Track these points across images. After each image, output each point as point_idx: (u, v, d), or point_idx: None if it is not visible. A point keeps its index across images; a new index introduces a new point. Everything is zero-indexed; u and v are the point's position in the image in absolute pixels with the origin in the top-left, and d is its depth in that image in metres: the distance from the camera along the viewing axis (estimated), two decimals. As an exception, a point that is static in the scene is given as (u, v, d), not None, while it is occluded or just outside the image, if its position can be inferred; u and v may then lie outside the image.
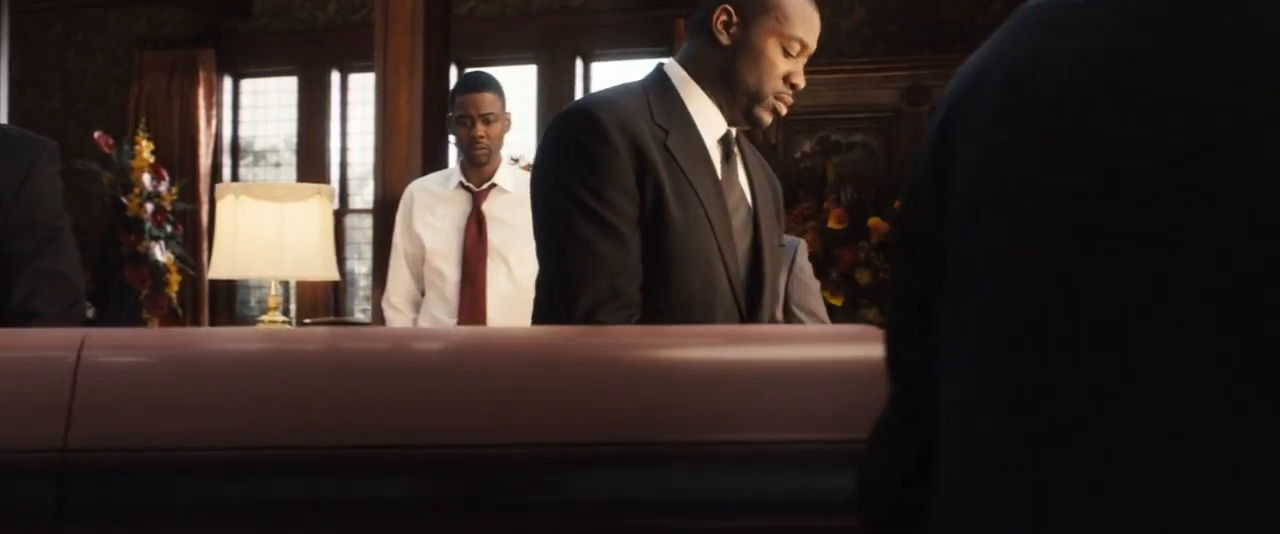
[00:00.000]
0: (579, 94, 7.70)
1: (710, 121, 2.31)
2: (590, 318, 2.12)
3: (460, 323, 3.92)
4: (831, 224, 5.81)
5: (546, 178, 2.25)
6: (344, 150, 8.89)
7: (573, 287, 2.15)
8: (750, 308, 2.32)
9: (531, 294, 4.05)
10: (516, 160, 6.24)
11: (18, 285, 2.44)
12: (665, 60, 2.40)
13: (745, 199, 2.36)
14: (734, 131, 2.36)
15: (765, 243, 2.36)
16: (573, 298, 2.14)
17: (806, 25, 2.33)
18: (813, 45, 2.34)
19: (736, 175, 2.35)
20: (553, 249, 2.23)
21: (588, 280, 2.13)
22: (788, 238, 3.59)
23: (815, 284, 3.74)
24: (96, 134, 7.12)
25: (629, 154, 2.16)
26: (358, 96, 8.63)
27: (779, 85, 2.31)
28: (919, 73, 6.34)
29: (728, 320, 2.26)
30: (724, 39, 2.29)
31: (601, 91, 2.42)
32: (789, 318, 3.58)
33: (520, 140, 7.54)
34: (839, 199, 5.91)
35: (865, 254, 5.73)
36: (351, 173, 8.84)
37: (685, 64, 2.34)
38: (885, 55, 6.74)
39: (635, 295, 2.17)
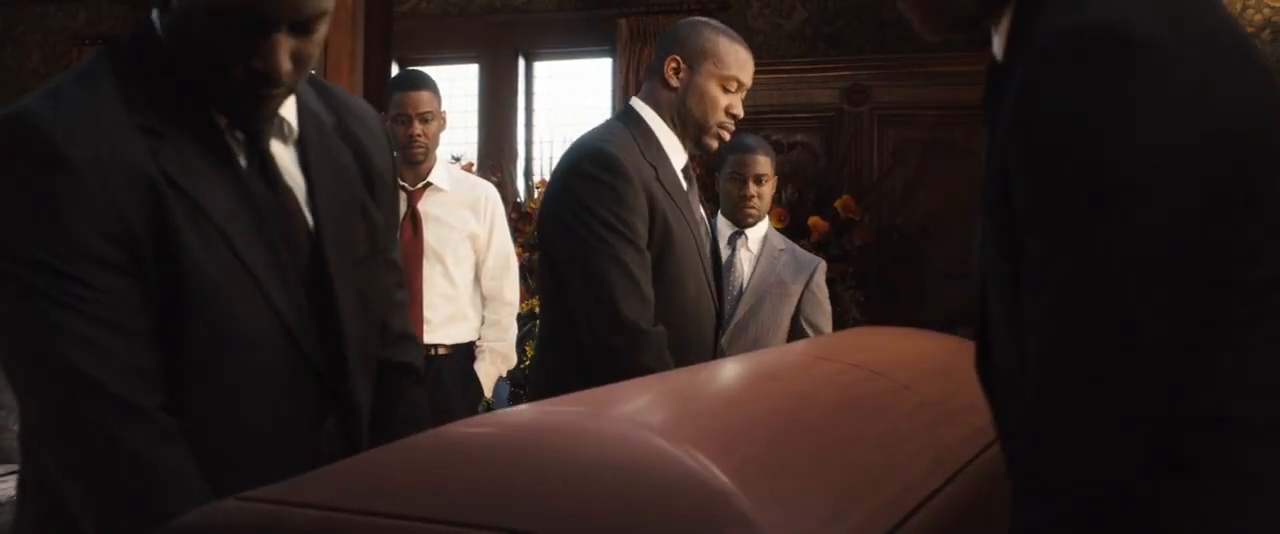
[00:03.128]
0: (522, 92, 7.70)
1: (675, 153, 2.76)
2: (634, 326, 2.53)
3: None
4: (772, 223, 5.82)
5: (575, 207, 2.60)
6: (285, 148, 8.83)
7: (613, 299, 2.53)
8: (719, 302, 2.83)
9: (468, 294, 4.06)
10: (457, 160, 6.22)
11: (397, 294, 1.92)
12: (634, 99, 2.80)
13: (701, 213, 2.85)
14: (687, 160, 2.81)
15: (714, 246, 2.88)
16: (614, 308, 2.53)
17: (740, 66, 2.75)
18: (748, 81, 2.76)
19: (695, 196, 2.82)
20: (586, 266, 2.57)
21: (626, 294, 2.54)
22: (809, 256, 4.10)
23: (827, 305, 4.07)
24: (32, 131, 7.04)
25: (641, 189, 2.59)
26: (299, 94, 8.56)
27: (722, 117, 2.76)
28: (859, 73, 6.38)
29: (710, 322, 2.78)
30: (675, 82, 2.75)
31: (601, 133, 2.73)
32: (796, 331, 3.95)
33: (463, 139, 7.52)
34: (780, 198, 5.93)
35: (805, 253, 5.75)
36: (293, 171, 8.78)
37: (649, 103, 2.77)
38: (826, 56, 6.77)
39: (652, 301, 2.59)
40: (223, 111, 1.62)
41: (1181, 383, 1.15)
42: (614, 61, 7.25)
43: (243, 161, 1.64)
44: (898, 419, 1.76)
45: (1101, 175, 1.12)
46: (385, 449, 1.26)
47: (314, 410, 1.67)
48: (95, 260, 1.50)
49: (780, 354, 2.28)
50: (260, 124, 1.65)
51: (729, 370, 1.98)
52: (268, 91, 1.59)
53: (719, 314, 2.83)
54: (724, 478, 1.14)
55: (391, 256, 1.90)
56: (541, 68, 7.81)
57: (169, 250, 1.54)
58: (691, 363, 2.61)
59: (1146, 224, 1.11)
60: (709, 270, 2.79)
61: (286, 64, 1.57)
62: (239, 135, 1.64)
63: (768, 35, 6.96)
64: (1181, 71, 1.11)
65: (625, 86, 7.00)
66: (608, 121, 2.82)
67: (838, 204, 5.99)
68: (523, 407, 1.41)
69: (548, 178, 6.24)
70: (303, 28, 1.57)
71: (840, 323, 4.15)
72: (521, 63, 7.73)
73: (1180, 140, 1.11)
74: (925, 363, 2.24)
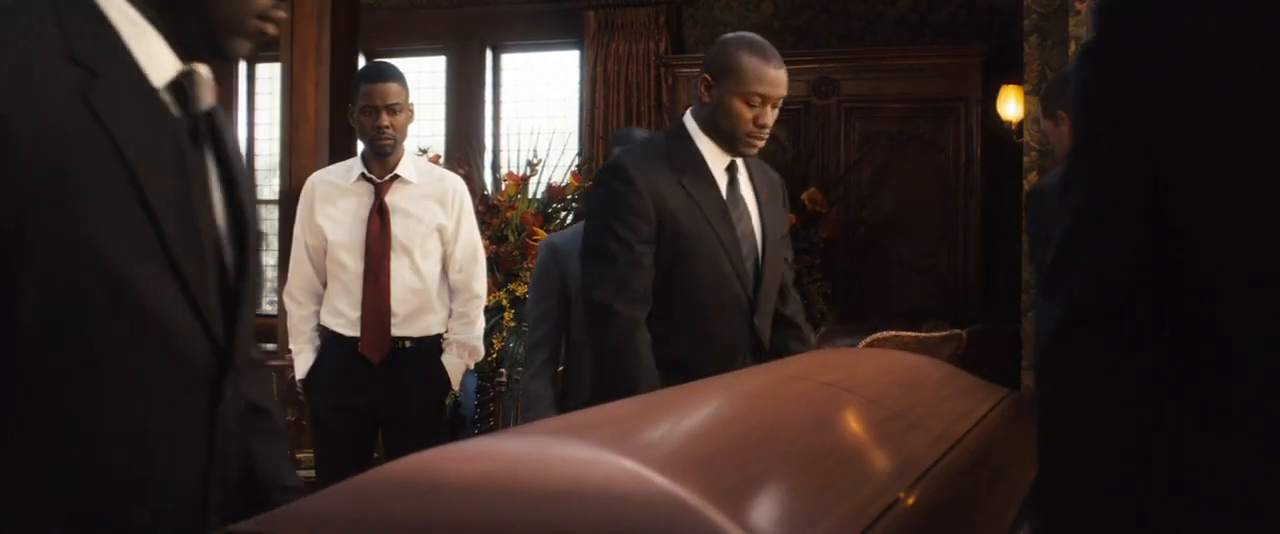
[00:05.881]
0: (489, 84, 7.69)
1: (715, 156, 3.02)
2: (606, 307, 2.84)
3: (363, 315, 3.89)
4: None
5: (589, 214, 3.03)
6: (251, 141, 8.79)
7: (593, 284, 2.88)
8: (754, 292, 3.03)
9: (436, 286, 4.05)
10: (424, 152, 6.20)
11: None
12: (686, 114, 3.10)
13: (748, 208, 3.06)
14: (737, 160, 3.06)
15: (770, 237, 3.10)
16: (591, 290, 2.87)
17: (759, 80, 2.94)
18: (773, 92, 2.96)
19: (739, 192, 3.06)
20: (584, 258, 2.96)
21: (605, 279, 2.86)
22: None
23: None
24: (-6, 123, 6.97)
25: (648, 193, 2.89)
26: (264, 86, 8.53)
27: (749, 127, 2.96)
28: (827, 66, 6.39)
29: (737, 305, 2.99)
30: (706, 98, 2.99)
31: (638, 147, 3.17)
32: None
33: (430, 132, 7.50)
34: (747, 191, 5.94)
35: (772, 246, 5.77)
36: (258, 163, 8.74)
37: (694, 116, 3.05)
38: (794, 49, 6.78)
39: (644, 292, 2.88)
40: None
41: None
42: (581, 54, 7.24)
43: (176, 113, 1.54)
44: (866, 431, 1.85)
45: None
46: (361, 479, 1.28)
47: (208, 383, 1.54)
48: None
49: (756, 375, 2.39)
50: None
51: (705, 393, 2.05)
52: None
53: (752, 304, 3.02)
54: (694, 496, 1.18)
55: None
56: (509, 60, 7.80)
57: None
58: (718, 353, 2.92)
59: None
60: (738, 259, 3.00)
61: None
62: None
63: (735, 28, 6.96)
64: None
65: (592, 79, 6.99)
66: (657, 131, 3.08)
67: (805, 196, 6.00)
68: (499, 434, 1.47)
69: (514, 169, 6.23)
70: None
71: (807, 316, 4.14)
72: (489, 55, 7.71)
73: None
74: (890, 378, 2.34)
